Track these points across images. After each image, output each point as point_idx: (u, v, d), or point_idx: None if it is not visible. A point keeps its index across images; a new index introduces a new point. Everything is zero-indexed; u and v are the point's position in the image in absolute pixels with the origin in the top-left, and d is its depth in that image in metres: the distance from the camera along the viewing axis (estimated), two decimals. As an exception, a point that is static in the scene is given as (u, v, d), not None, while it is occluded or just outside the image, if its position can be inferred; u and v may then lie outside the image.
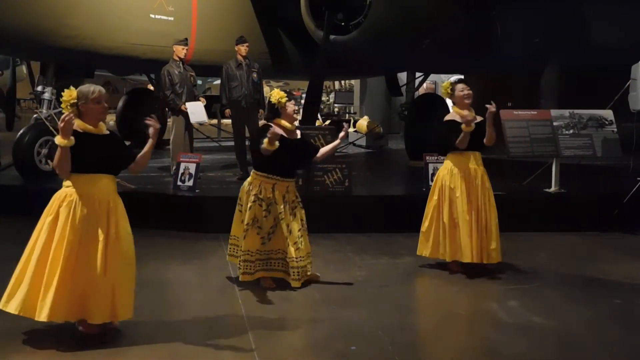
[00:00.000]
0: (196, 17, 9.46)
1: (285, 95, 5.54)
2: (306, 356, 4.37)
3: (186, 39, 9.02)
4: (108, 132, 4.57)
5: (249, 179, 5.66)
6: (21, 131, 8.75)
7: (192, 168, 8.03)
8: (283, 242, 5.52)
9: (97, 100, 4.47)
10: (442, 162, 8.29)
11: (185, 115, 8.76)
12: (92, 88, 4.49)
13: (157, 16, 9.02)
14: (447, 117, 6.22)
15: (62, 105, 4.45)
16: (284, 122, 5.56)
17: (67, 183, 4.46)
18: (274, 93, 5.54)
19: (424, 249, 6.26)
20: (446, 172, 6.17)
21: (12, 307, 4.35)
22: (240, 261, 5.53)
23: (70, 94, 4.42)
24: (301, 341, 4.55)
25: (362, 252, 6.75)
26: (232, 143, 9.75)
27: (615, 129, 8.66)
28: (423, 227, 6.26)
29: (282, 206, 5.48)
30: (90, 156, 4.40)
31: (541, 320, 4.99)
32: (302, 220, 5.61)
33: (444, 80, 20.70)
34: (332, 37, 9.12)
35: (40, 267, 4.32)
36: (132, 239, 4.54)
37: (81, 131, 4.40)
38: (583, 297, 5.58)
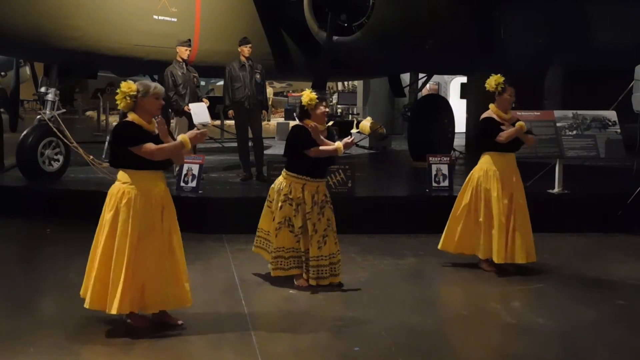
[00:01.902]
0: (199, 18, 9.46)
1: (316, 97, 5.52)
2: (309, 357, 4.37)
3: (189, 40, 9.03)
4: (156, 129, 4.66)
5: (279, 178, 5.71)
6: (25, 132, 8.76)
7: (195, 169, 8.03)
8: (307, 242, 5.58)
9: (157, 96, 4.55)
10: (445, 163, 8.45)
11: (189, 116, 8.76)
12: (152, 84, 4.60)
13: (160, 17, 9.03)
14: (486, 115, 6.19)
15: (118, 97, 4.51)
16: (314, 124, 5.57)
17: (123, 179, 4.54)
18: (305, 95, 5.56)
19: (449, 245, 6.29)
20: (482, 173, 6.16)
21: (86, 302, 4.54)
22: (272, 257, 5.62)
23: (129, 86, 4.49)
24: (304, 342, 4.55)
25: (365, 253, 6.74)
26: (235, 144, 9.75)
27: (619, 130, 8.65)
28: (450, 223, 6.28)
29: (310, 206, 5.54)
30: None
31: (545, 321, 4.98)
32: (329, 220, 5.64)
33: (447, 81, 20.55)
34: (335, 38, 9.12)
35: (106, 262, 4.46)
36: (179, 231, 4.70)
37: (144, 128, 4.49)
38: (587, 298, 5.57)
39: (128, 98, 4.48)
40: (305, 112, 5.61)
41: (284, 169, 5.70)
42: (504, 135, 6.03)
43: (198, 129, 4.97)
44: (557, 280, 6.05)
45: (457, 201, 6.31)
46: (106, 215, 4.51)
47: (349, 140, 5.49)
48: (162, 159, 4.54)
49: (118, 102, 4.52)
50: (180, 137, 4.56)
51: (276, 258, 5.61)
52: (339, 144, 5.44)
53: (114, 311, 4.42)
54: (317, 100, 5.53)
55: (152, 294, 4.55)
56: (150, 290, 4.55)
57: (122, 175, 4.56)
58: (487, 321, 5.15)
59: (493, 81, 6.14)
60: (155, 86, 4.58)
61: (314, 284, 5.56)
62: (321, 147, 5.48)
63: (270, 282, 5.78)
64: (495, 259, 6.05)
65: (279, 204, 5.59)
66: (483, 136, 6.22)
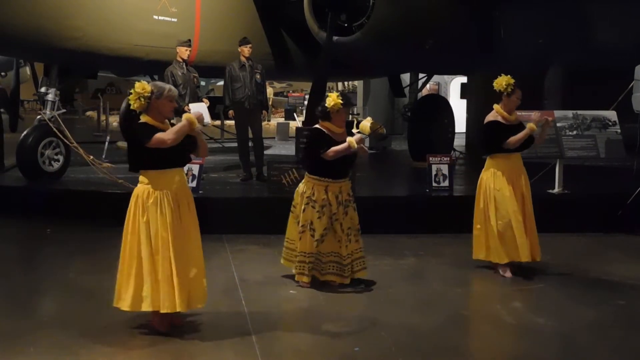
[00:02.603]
0: (199, 19, 9.47)
1: (341, 103, 5.51)
2: (309, 357, 4.37)
3: (189, 40, 9.03)
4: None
5: (302, 182, 5.73)
6: (25, 132, 8.76)
7: (196, 169, 8.02)
8: (335, 243, 5.59)
9: (171, 98, 4.56)
10: (446, 163, 8.45)
11: (189, 116, 8.74)
12: (167, 86, 4.62)
13: (160, 17, 9.03)
14: (491, 118, 6.14)
15: (132, 98, 4.50)
16: (333, 127, 5.58)
17: (145, 181, 4.54)
18: (331, 98, 5.52)
19: (480, 253, 6.22)
20: (489, 174, 6.14)
21: (146, 306, 4.47)
22: (296, 262, 5.63)
23: (143, 87, 4.48)
24: (304, 342, 4.55)
25: (365, 253, 6.70)
26: (235, 144, 9.75)
27: (619, 130, 8.64)
28: (475, 231, 6.24)
29: (336, 207, 5.55)
30: (168, 153, 4.49)
31: (545, 321, 4.98)
32: (352, 219, 5.66)
33: (447, 81, 20.49)
34: (335, 38, 9.12)
35: (155, 264, 4.47)
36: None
37: (158, 129, 4.49)
38: (587, 298, 5.57)
39: (142, 99, 4.47)
40: (327, 114, 5.59)
41: (306, 173, 5.72)
42: (513, 141, 5.99)
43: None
44: (557, 280, 6.05)
45: (475, 209, 6.27)
46: (141, 219, 4.48)
47: (359, 136, 5.52)
48: (175, 143, 4.45)
49: (132, 102, 4.52)
50: (184, 116, 4.54)
51: (300, 262, 5.61)
52: (349, 139, 5.45)
53: (179, 309, 4.47)
54: (342, 106, 5.53)
55: (197, 288, 4.65)
56: (195, 284, 4.64)
57: (143, 178, 4.56)
58: (487, 321, 5.15)
59: (504, 82, 6.05)
60: (170, 88, 4.58)
61: (347, 282, 5.60)
62: (334, 148, 5.47)
63: (270, 282, 5.80)
64: (523, 258, 6.02)
65: (302, 207, 5.60)
66: (489, 140, 6.16)
